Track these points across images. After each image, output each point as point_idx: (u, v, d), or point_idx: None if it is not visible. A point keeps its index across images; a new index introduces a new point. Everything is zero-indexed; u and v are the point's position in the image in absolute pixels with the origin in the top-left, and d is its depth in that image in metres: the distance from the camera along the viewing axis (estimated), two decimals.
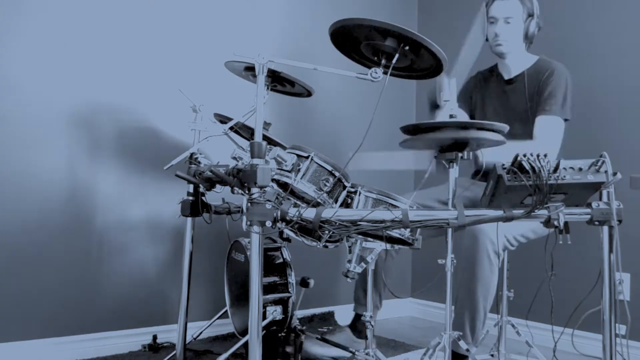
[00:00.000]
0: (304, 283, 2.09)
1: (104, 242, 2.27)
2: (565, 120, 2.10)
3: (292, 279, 2.11)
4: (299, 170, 1.57)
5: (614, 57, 2.47)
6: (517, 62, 2.19)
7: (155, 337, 2.29)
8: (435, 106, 2.07)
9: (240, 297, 2.16)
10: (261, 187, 1.34)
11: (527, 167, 1.32)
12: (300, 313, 2.74)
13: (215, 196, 1.99)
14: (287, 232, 1.75)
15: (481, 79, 2.36)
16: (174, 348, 2.14)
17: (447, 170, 1.52)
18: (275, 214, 1.34)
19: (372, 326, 1.81)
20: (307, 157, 1.59)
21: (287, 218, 1.36)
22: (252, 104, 1.55)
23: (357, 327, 2.24)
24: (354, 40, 1.53)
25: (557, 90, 2.07)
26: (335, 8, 2.98)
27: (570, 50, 2.60)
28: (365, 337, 1.81)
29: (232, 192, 1.85)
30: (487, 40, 2.22)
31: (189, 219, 2.03)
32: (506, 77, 2.24)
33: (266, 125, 2.08)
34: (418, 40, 1.41)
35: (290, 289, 2.10)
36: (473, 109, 2.38)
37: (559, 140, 2.09)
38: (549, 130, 2.08)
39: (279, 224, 1.37)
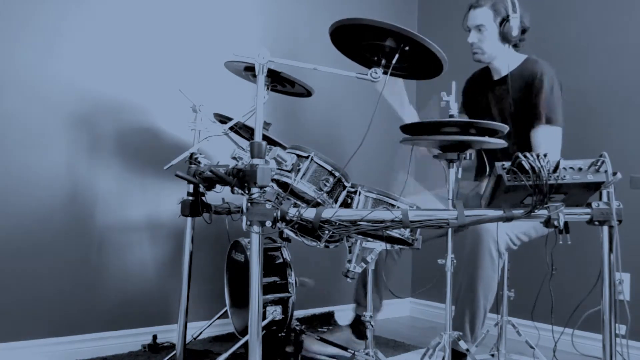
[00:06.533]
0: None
1: (104, 242, 2.27)
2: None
3: (292, 279, 2.11)
4: (299, 170, 1.56)
5: (613, 56, 2.46)
6: (504, 63, 2.19)
7: (155, 337, 2.29)
8: None
9: (240, 297, 2.16)
10: (261, 187, 1.33)
11: (527, 167, 1.31)
12: (300, 313, 2.74)
13: (215, 196, 1.99)
14: (287, 232, 1.75)
15: (474, 80, 2.38)
16: (174, 348, 2.14)
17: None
18: (275, 214, 1.34)
19: (372, 326, 1.81)
20: (307, 157, 1.58)
21: (287, 218, 1.36)
22: (252, 104, 1.55)
23: (358, 327, 2.24)
24: (353, 40, 1.53)
25: (548, 96, 2.07)
26: (336, 8, 2.98)
27: (568, 50, 2.59)
28: (365, 338, 1.81)
29: (232, 192, 1.85)
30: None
31: (189, 219, 2.03)
32: (495, 78, 2.26)
33: (266, 125, 2.08)
34: (418, 40, 1.42)
35: (290, 289, 2.10)
36: (467, 111, 2.38)
37: (559, 150, 2.09)
38: (549, 141, 2.07)
39: (279, 224, 1.37)
